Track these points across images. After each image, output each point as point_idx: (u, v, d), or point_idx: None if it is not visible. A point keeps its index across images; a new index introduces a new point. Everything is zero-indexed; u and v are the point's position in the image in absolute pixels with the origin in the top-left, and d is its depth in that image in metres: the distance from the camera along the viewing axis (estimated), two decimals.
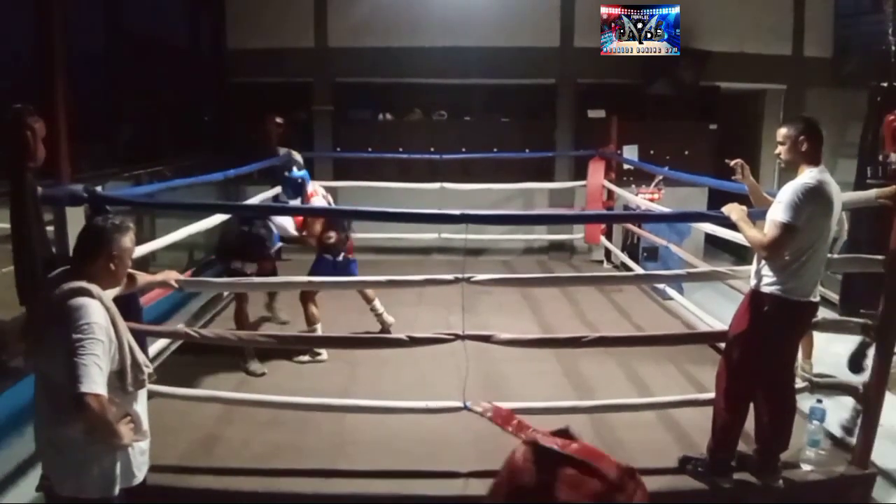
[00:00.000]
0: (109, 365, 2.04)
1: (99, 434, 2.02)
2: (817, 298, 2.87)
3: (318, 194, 4.74)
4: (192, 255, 6.77)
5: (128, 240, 2.22)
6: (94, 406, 1.92)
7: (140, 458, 2.26)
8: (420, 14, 8.06)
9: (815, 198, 2.68)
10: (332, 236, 4.46)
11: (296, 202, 4.65)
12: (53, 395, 2.07)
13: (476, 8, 8.05)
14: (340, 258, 4.56)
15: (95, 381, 1.94)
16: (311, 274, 4.38)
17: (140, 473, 2.26)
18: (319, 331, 4.44)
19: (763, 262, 2.83)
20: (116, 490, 2.16)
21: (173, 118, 7.61)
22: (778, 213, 2.69)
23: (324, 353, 4.45)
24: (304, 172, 4.66)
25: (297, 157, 6.97)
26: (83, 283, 2.07)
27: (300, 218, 4.57)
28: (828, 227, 2.76)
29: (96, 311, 2.03)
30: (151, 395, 3.23)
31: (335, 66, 8.23)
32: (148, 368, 2.24)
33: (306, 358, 4.42)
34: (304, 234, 4.54)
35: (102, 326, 2.02)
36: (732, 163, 3.17)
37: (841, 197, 2.83)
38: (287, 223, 4.58)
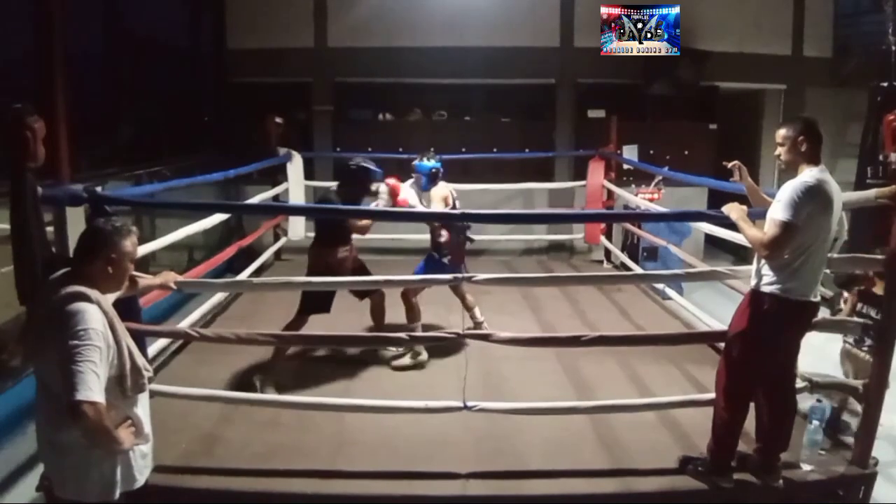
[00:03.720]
0: (107, 371, 2.02)
1: (97, 441, 2.01)
2: (817, 298, 2.86)
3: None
4: (192, 255, 6.78)
5: (128, 243, 2.19)
6: (90, 414, 1.90)
7: (141, 462, 2.25)
8: (420, 14, 8.06)
9: (814, 196, 2.67)
10: (444, 235, 4.38)
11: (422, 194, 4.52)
12: (52, 399, 2.05)
13: (476, 8, 8.06)
14: (446, 261, 4.41)
15: (91, 388, 1.91)
16: (418, 272, 4.44)
17: (141, 477, 2.25)
18: (419, 330, 4.35)
19: (763, 261, 2.83)
20: (117, 494, 2.15)
21: (173, 118, 7.61)
22: (778, 211, 2.69)
23: (424, 354, 4.35)
24: (438, 163, 4.51)
25: (297, 157, 7.03)
26: (81, 288, 2.04)
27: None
28: (827, 225, 2.76)
29: (93, 316, 2.00)
30: (152, 394, 3.24)
31: (335, 66, 8.23)
32: (148, 372, 2.22)
33: (408, 360, 4.31)
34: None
35: (99, 332, 1.99)
36: (730, 165, 3.17)
37: (841, 196, 2.83)
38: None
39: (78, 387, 1.90)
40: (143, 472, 2.26)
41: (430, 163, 4.48)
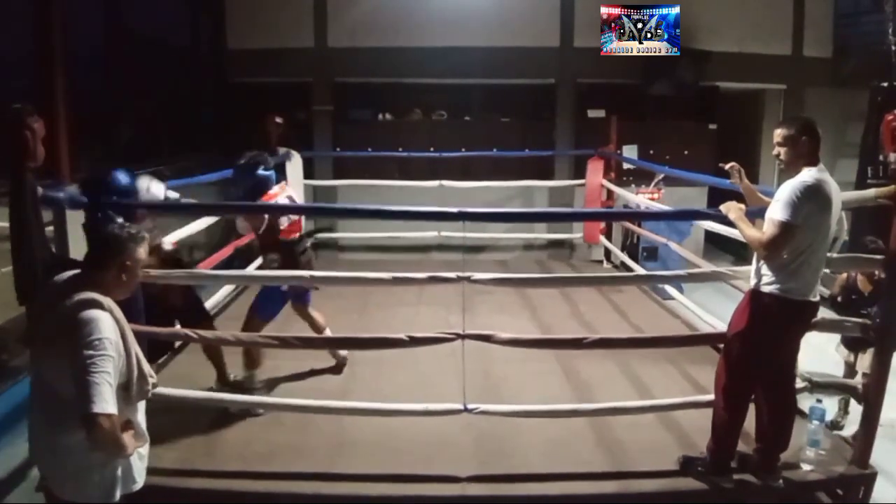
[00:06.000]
0: (118, 379, 2.02)
1: (107, 450, 2.00)
2: (817, 298, 2.86)
3: (282, 197, 3.96)
4: (192, 254, 6.77)
5: (142, 250, 2.19)
6: (105, 426, 1.90)
7: (140, 464, 2.24)
8: (420, 14, 8.07)
9: (813, 196, 2.67)
10: (276, 259, 3.83)
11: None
12: (55, 402, 2.04)
13: (476, 8, 8.06)
14: (285, 287, 3.85)
15: (107, 400, 1.91)
16: (256, 303, 3.88)
17: (140, 479, 2.25)
18: (258, 377, 3.89)
19: (762, 261, 2.82)
20: (117, 496, 2.14)
21: (173, 118, 7.61)
22: (776, 211, 2.68)
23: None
24: (270, 173, 3.91)
25: (297, 157, 7.02)
26: (94, 295, 2.03)
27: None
28: (827, 225, 2.75)
29: (107, 324, 2.00)
30: (152, 396, 3.24)
31: (335, 66, 8.24)
32: (153, 378, 2.22)
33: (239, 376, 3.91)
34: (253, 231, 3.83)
35: (113, 341, 1.99)
36: (727, 167, 3.15)
37: (840, 196, 2.83)
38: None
39: (94, 399, 1.89)
40: (141, 474, 2.26)
41: (267, 171, 3.86)
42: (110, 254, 2.13)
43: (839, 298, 4.29)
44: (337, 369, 4.26)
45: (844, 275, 4.25)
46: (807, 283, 2.79)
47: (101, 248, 2.17)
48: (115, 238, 2.16)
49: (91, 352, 1.93)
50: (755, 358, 2.92)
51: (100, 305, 2.02)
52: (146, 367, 2.18)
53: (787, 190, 2.69)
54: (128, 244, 2.14)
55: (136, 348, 2.13)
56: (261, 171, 3.84)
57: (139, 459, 2.24)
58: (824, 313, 3.25)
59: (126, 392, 2.09)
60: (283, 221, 3.83)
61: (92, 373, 1.91)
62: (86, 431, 1.92)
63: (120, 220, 2.86)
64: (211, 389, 3.75)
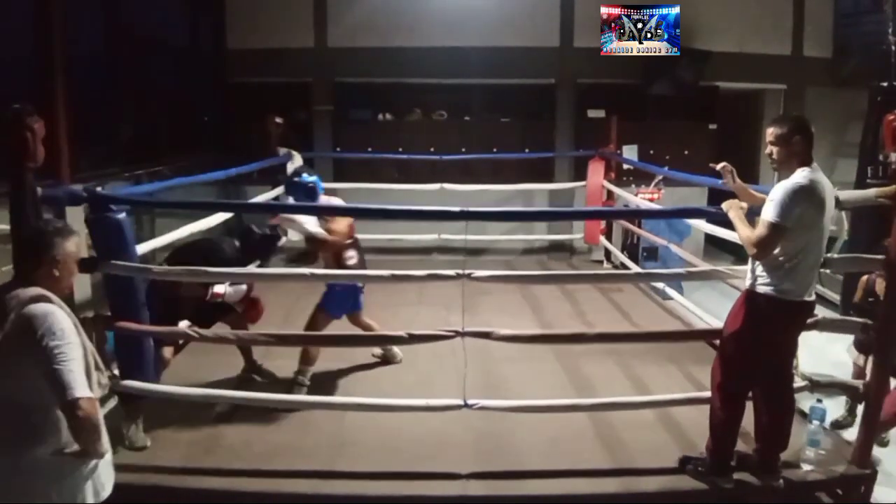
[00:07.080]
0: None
1: (88, 439, 1.93)
2: (812, 297, 2.86)
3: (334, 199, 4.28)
4: None
5: (71, 244, 2.10)
6: (88, 409, 1.86)
7: (107, 469, 2.16)
8: (420, 14, 8.07)
9: (805, 197, 2.66)
10: (353, 257, 4.02)
11: None
12: (12, 417, 1.96)
13: (476, 8, 8.07)
14: (360, 283, 4.12)
15: (83, 384, 1.88)
16: (323, 303, 4.00)
17: (109, 485, 2.16)
18: (308, 375, 3.96)
19: (757, 261, 2.82)
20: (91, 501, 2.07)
21: (173, 118, 7.62)
22: (768, 212, 2.67)
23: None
24: (316, 178, 4.11)
25: (297, 157, 7.03)
26: (39, 290, 1.97)
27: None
28: (821, 226, 2.74)
29: (62, 315, 1.96)
30: (153, 395, 3.25)
31: (335, 66, 8.24)
32: (107, 371, 2.17)
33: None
34: (325, 242, 3.91)
35: (72, 330, 1.95)
36: (719, 167, 3.13)
37: (834, 196, 2.82)
38: (309, 221, 3.91)
39: (72, 385, 1.86)
40: (110, 479, 2.17)
41: (311, 177, 4.03)
42: (37, 251, 2.06)
43: (857, 301, 4.24)
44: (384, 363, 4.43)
45: (865, 277, 4.20)
46: (802, 283, 2.78)
47: (28, 245, 2.10)
48: (41, 234, 2.09)
49: (55, 342, 1.89)
50: (751, 358, 2.91)
51: (48, 299, 1.97)
52: (99, 360, 2.12)
53: (779, 191, 2.68)
54: (54, 238, 2.06)
55: (88, 343, 2.06)
56: (305, 178, 4.06)
57: (106, 465, 2.14)
58: (825, 313, 3.25)
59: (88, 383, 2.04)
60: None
61: (61, 361, 1.87)
62: (68, 418, 1.87)
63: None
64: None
